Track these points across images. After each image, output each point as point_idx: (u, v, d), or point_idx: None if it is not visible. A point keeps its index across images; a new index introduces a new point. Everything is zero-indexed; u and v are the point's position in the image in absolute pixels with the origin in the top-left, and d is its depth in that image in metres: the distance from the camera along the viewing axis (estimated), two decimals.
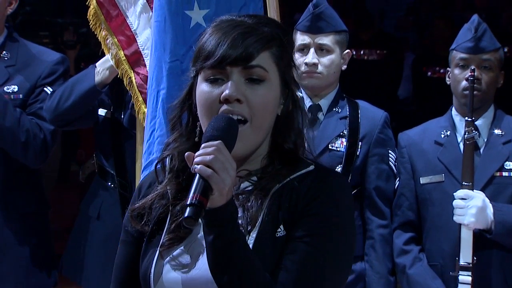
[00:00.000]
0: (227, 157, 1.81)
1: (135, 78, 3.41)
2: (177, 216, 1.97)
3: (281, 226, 1.91)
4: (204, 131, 1.92)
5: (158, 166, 2.06)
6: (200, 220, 1.80)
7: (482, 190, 3.44)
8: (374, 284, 3.57)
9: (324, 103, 3.64)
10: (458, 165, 3.47)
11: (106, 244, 3.78)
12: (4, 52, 3.93)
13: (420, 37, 8.93)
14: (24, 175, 3.91)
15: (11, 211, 3.87)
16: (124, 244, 2.10)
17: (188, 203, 1.76)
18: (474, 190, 3.40)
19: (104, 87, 3.68)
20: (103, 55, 3.64)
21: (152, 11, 3.23)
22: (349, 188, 2.07)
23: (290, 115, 2.01)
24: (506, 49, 7.25)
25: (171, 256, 1.96)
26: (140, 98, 3.38)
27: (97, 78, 3.65)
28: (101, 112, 3.87)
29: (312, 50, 3.58)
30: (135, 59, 3.44)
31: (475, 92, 3.45)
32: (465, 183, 3.40)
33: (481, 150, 3.53)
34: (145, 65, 3.38)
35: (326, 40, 3.58)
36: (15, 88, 3.87)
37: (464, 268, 3.36)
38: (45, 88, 3.87)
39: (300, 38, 3.61)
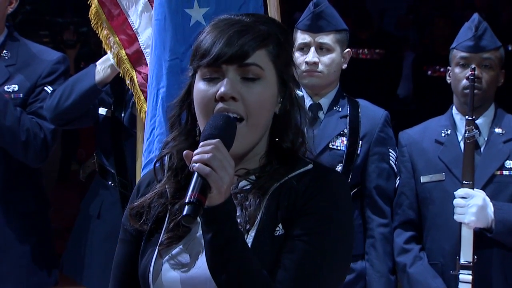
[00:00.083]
0: (226, 155, 1.81)
1: (136, 77, 3.41)
2: (176, 215, 1.96)
3: (280, 225, 1.91)
4: (201, 129, 1.92)
5: (157, 164, 2.06)
6: (198, 218, 1.80)
7: (483, 189, 3.44)
8: (375, 283, 3.57)
9: (325, 102, 3.64)
10: (458, 164, 3.46)
11: (106, 243, 3.78)
12: (4, 51, 3.93)
13: (420, 36, 8.92)
14: (24, 174, 3.90)
15: (11, 210, 3.86)
16: (123, 243, 2.10)
17: (186, 201, 1.76)
18: (475, 189, 3.40)
19: (104, 86, 3.68)
20: (104, 54, 3.64)
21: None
22: (347, 186, 2.06)
23: (288, 113, 2.00)
24: (510, 47, 7.24)
25: (170, 255, 1.96)
26: (142, 97, 3.38)
27: (98, 77, 3.65)
28: (102, 111, 3.87)
29: (312, 49, 3.58)
30: (137, 58, 3.44)
31: (475, 91, 3.45)
32: (466, 182, 3.40)
33: (482, 149, 3.53)
34: (146, 64, 3.38)
35: (327, 39, 3.58)
36: (15, 87, 3.87)
37: (465, 267, 3.36)
38: (45, 87, 3.87)
39: (301, 37, 3.61)
